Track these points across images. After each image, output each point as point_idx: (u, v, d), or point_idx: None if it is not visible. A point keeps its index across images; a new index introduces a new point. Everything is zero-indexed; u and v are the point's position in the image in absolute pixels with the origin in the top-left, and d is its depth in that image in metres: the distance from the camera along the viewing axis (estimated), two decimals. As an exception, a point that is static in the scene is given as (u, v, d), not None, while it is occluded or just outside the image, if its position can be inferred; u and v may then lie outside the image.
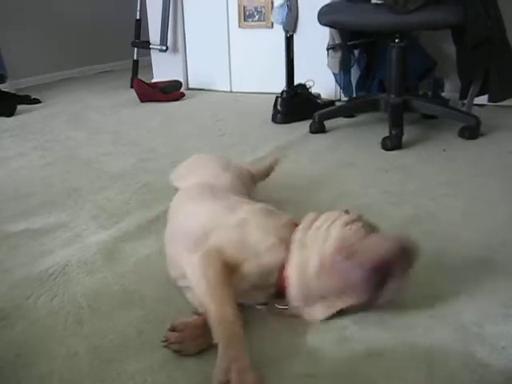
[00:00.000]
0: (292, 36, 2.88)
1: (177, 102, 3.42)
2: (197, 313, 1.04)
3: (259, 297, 1.09)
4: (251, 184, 1.56)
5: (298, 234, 1.08)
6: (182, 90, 3.57)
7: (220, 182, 1.40)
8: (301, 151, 2.25)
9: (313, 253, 1.03)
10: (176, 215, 1.31)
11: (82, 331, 1.06)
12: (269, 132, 2.59)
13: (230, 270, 1.03)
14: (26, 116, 3.14)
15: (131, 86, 3.74)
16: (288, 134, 2.51)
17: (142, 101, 3.40)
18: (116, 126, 2.84)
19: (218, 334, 0.93)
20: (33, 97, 3.55)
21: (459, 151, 2.15)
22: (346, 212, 1.11)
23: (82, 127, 2.82)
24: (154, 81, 3.76)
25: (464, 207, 1.60)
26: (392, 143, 2.19)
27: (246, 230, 1.09)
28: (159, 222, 1.56)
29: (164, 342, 0.99)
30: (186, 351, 0.98)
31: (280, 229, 1.10)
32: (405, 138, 2.23)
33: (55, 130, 2.78)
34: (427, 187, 1.76)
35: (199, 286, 1.01)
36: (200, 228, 1.14)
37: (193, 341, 0.99)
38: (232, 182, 1.42)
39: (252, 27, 3.51)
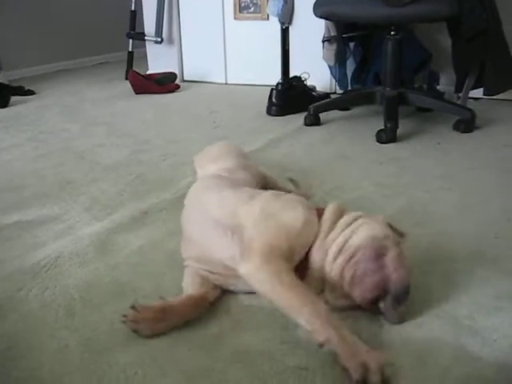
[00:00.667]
0: (287, 28, 2.87)
1: (172, 94, 3.40)
2: (162, 297, 1.05)
3: None
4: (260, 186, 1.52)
5: (324, 224, 1.08)
6: (177, 81, 3.56)
7: (236, 177, 1.40)
8: (295, 144, 2.24)
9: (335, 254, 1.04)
10: (200, 202, 1.26)
11: (74, 323, 1.06)
12: (263, 124, 2.59)
13: (290, 262, 1.02)
14: (19, 107, 3.13)
15: (126, 78, 3.72)
16: (283, 127, 2.51)
17: (137, 92, 3.38)
18: (110, 117, 2.82)
19: (325, 335, 0.88)
20: (27, 88, 3.52)
21: (454, 144, 2.15)
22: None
23: (76, 119, 2.80)
24: (149, 72, 3.75)
25: (458, 200, 1.60)
26: (387, 136, 2.19)
27: (278, 215, 1.08)
28: (152, 213, 1.56)
29: (123, 317, 1.01)
30: (141, 332, 1.00)
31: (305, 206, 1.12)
32: (400, 130, 2.23)
33: (49, 121, 2.77)
34: (421, 180, 1.76)
35: (279, 295, 0.97)
36: (230, 217, 1.13)
37: (151, 323, 1.01)
38: (246, 180, 1.40)
39: (247, 19, 3.50)
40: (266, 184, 1.51)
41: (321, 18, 2.41)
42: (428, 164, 1.93)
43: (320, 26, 2.74)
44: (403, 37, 2.28)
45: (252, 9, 3.48)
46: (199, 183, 1.41)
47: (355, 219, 1.09)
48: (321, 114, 2.54)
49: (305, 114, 2.54)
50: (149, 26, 3.79)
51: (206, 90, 3.54)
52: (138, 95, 3.36)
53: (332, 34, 2.69)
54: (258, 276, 1.00)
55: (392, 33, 2.25)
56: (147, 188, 1.77)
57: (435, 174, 1.82)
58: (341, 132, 2.41)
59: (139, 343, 0.99)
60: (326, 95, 2.97)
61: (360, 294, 1.00)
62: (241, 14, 3.51)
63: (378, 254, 1.00)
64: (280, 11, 2.95)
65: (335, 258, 1.03)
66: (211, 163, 1.53)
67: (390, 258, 1.00)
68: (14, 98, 3.23)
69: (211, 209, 1.19)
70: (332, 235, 1.06)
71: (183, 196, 1.63)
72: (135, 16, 3.85)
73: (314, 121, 2.51)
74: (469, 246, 1.30)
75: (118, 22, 4.24)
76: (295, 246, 1.04)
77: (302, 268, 1.05)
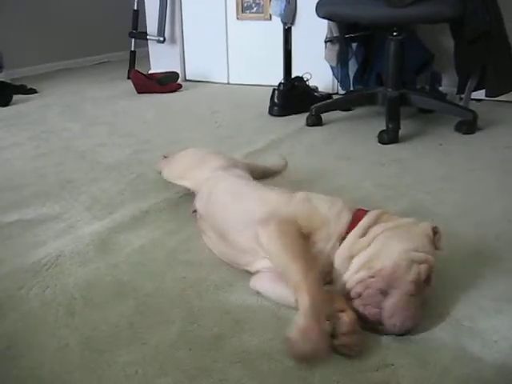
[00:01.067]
0: (290, 28, 2.87)
1: (174, 94, 3.40)
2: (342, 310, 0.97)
3: None
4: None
5: (358, 229, 1.08)
6: (179, 81, 3.56)
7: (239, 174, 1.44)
8: (297, 144, 2.24)
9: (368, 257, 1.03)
10: (240, 203, 1.26)
11: (74, 322, 1.06)
12: (265, 124, 2.59)
13: (304, 236, 1.05)
14: (21, 106, 3.13)
15: (128, 77, 3.72)
16: (284, 127, 2.51)
17: (139, 92, 3.38)
18: (112, 117, 2.82)
19: (303, 299, 0.92)
20: (29, 87, 3.52)
21: (456, 145, 2.14)
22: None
23: (77, 118, 2.80)
24: (151, 72, 3.74)
25: (460, 201, 1.59)
26: (388, 137, 2.19)
27: (313, 203, 1.13)
28: (153, 212, 1.56)
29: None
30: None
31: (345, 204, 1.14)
32: (401, 131, 2.23)
33: (50, 120, 2.77)
34: (423, 181, 1.76)
35: (280, 255, 1.02)
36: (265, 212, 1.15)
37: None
38: (245, 176, 1.45)
39: (250, 19, 3.50)
40: (252, 171, 1.54)
41: (323, 18, 2.40)
42: (430, 165, 1.93)
43: (322, 27, 2.74)
44: (405, 38, 2.28)
45: (255, 9, 3.48)
46: (224, 183, 1.38)
47: (386, 229, 1.07)
48: (323, 115, 2.53)
49: (307, 114, 2.54)
50: (151, 25, 3.79)
51: (208, 89, 3.54)
52: (140, 95, 3.36)
53: (334, 35, 2.69)
54: (270, 235, 1.05)
55: (394, 33, 2.25)
56: (148, 188, 1.77)
57: (437, 175, 1.82)
58: (342, 133, 2.41)
59: (140, 342, 0.99)
60: (328, 96, 2.97)
61: (361, 314, 0.98)
62: (243, 14, 3.51)
63: (385, 290, 0.97)
64: (283, 11, 2.95)
65: (356, 272, 1.03)
66: (197, 169, 1.51)
67: (389, 303, 0.96)
68: (15, 97, 3.24)
69: (256, 209, 1.19)
70: (358, 245, 1.06)
71: (184, 196, 1.65)
72: (137, 15, 3.85)
73: (315, 121, 2.51)
74: (469, 247, 1.30)
75: (121, 21, 4.24)
76: (318, 229, 1.07)
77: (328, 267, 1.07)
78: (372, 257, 1.03)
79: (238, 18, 3.53)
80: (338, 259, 1.06)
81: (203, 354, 0.95)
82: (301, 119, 2.57)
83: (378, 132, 2.22)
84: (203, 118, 2.77)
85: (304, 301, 0.92)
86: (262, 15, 3.45)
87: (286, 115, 2.72)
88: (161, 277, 1.21)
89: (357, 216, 1.11)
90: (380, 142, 2.20)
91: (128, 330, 1.03)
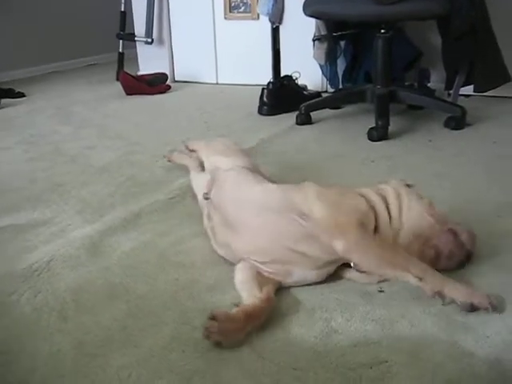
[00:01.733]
0: (278, 27, 2.87)
1: (163, 95, 3.39)
2: (237, 304, 1.04)
3: None
4: None
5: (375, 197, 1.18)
6: (168, 82, 3.55)
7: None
8: (287, 143, 2.24)
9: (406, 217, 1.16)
10: (252, 196, 1.29)
11: (66, 327, 1.05)
12: (255, 124, 2.59)
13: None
14: (9, 110, 3.11)
15: (117, 79, 3.70)
16: (274, 126, 2.51)
17: (128, 94, 3.37)
18: (101, 119, 2.81)
19: (438, 286, 1.02)
20: (17, 90, 3.50)
21: (445, 141, 2.15)
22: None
23: (67, 121, 2.79)
24: (139, 73, 3.73)
25: (449, 197, 1.60)
26: (378, 134, 2.19)
27: (337, 199, 1.17)
28: (144, 215, 1.56)
29: (205, 331, 0.96)
30: (224, 344, 0.96)
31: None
32: (391, 128, 2.24)
33: (40, 124, 2.76)
34: (413, 177, 1.74)
35: (384, 259, 1.06)
36: (290, 204, 1.17)
37: (233, 334, 0.97)
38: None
39: (238, 19, 3.50)
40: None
41: (311, 17, 2.41)
42: (419, 161, 1.94)
43: (310, 25, 2.75)
44: (393, 35, 2.28)
45: (242, 8, 3.48)
46: (237, 177, 1.39)
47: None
48: (312, 113, 2.54)
49: (296, 113, 2.54)
50: (139, 26, 3.77)
51: (198, 90, 3.54)
52: (129, 96, 3.34)
53: (322, 33, 2.69)
54: (359, 246, 1.07)
55: (382, 31, 2.26)
56: (139, 190, 1.76)
57: (426, 171, 1.83)
58: (332, 130, 2.41)
59: (133, 345, 0.98)
60: (318, 94, 2.97)
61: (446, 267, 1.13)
62: (231, 14, 3.51)
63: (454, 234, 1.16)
64: (270, 10, 2.95)
65: (411, 243, 1.13)
66: (223, 156, 1.54)
67: (465, 236, 1.17)
68: (3, 101, 3.21)
69: (269, 200, 1.22)
70: (396, 217, 1.17)
71: (175, 197, 1.65)
72: (125, 17, 3.83)
73: (305, 120, 2.51)
74: (461, 242, 1.30)
75: (108, 23, 4.22)
76: (369, 222, 1.13)
77: None
78: (415, 226, 1.15)
79: (225, 18, 3.53)
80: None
81: (197, 356, 0.95)
82: (290, 118, 2.58)
83: (367, 129, 2.23)
84: (193, 118, 2.77)
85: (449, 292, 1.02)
86: (249, 15, 3.45)
87: (275, 114, 2.72)
88: (153, 279, 1.21)
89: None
90: (370, 139, 2.20)
91: (121, 333, 1.02)
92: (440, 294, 1.02)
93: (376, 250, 1.07)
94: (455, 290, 1.01)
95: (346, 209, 1.13)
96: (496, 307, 1.00)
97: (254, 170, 1.47)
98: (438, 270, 1.07)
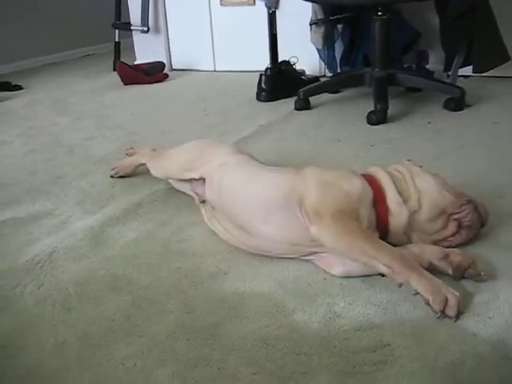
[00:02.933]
0: (274, 12, 2.85)
1: (160, 84, 3.38)
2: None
3: None
4: None
5: (383, 174, 1.21)
6: (166, 70, 3.53)
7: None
8: (286, 128, 2.24)
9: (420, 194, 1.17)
10: (256, 187, 1.28)
11: (70, 318, 1.06)
12: (253, 110, 2.58)
13: (357, 221, 1.12)
14: (7, 103, 3.10)
15: (114, 69, 3.69)
16: (273, 112, 2.50)
17: (126, 83, 3.35)
18: (100, 110, 2.80)
19: (404, 275, 1.00)
20: (14, 83, 3.49)
21: (445, 123, 2.14)
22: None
23: (65, 113, 2.78)
24: (136, 63, 3.71)
25: (450, 179, 1.58)
26: (377, 117, 2.19)
27: (338, 184, 1.17)
28: (145, 205, 1.56)
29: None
30: None
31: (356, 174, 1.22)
32: (390, 111, 2.23)
33: (38, 116, 2.75)
34: (413, 160, 1.75)
35: (352, 245, 1.06)
36: (292, 191, 1.19)
37: None
38: None
39: (234, 4, 3.47)
40: None
41: (307, 0, 2.39)
42: (419, 144, 1.93)
43: (307, 10, 2.73)
44: (390, 17, 2.26)
45: (238, -6, 3.45)
46: (236, 170, 1.36)
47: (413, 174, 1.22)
48: (311, 98, 2.53)
49: (295, 98, 2.53)
50: (134, 15, 3.75)
51: (195, 78, 3.52)
52: (127, 86, 3.33)
53: (319, 17, 2.67)
54: (330, 231, 1.09)
55: (379, 13, 2.24)
56: (139, 180, 1.76)
57: (426, 153, 1.82)
58: (331, 115, 2.40)
59: (137, 335, 0.99)
60: (316, 79, 2.96)
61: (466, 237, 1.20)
62: (227, 0, 3.48)
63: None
64: (266, -5, 2.92)
65: (433, 220, 1.16)
66: (203, 158, 1.46)
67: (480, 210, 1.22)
68: (1, 94, 3.21)
69: (273, 195, 1.21)
70: (405, 192, 1.18)
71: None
72: (120, 6, 3.80)
73: (304, 105, 2.50)
74: (462, 224, 1.30)
75: (104, 12, 4.19)
76: (358, 209, 1.13)
77: (381, 226, 1.16)
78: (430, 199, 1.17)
79: (221, 4, 3.50)
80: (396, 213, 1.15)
81: (201, 344, 0.95)
82: (289, 103, 2.57)
83: (366, 113, 2.22)
84: (191, 106, 2.76)
85: (416, 282, 0.99)
86: (245, 0, 3.42)
87: (274, 100, 2.71)
88: (155, 268, 1.21)
89: (368, 180, 1.20)
90: (369, 122, 2.19)
91: (125, 323, 1.03)
92: (407, 283, 1.00)
93: (347, 238, 1.07)
94: (419, 283, 0.98)
95: (333, 195, 1.14)
96: (453, 315, 0.96)
97: (240, 153, 1.46)
98: (458, 245, 1.17)
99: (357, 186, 1.16)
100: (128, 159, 1.84)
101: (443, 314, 0.96)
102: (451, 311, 0.96)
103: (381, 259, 1.02)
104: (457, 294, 0.97)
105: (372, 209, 1.15)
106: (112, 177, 1.77)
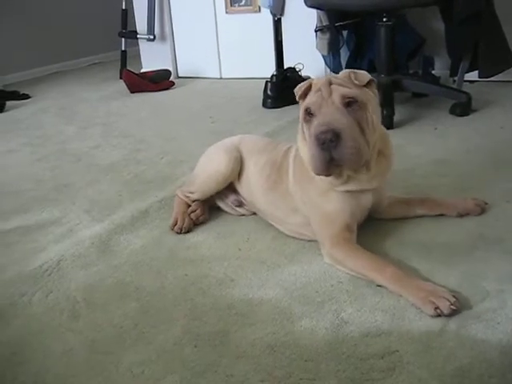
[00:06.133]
0: (280, 19, 2.86)
1: (167, 91, 3.39)
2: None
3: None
4: None
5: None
6: (172, 78, 3.55)
7: None
8: (292, 136, 2.22)
9: None
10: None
11: (78, 326, 1.06)
12: (259, 117, 2.58)
13: (352, 233, 1.22)
14: (15, 112, 3.12)
15: (120, 77, 3.71)
16: (279, 119, 2.50)
17: (132, 91, 3.37)
18: (106, 118, 2.82)
19: (400, 288, 1.06)
20: (22, 92, 3.52)
21: (451, 128, 2.14)
22: None
23: (72, 121, 2.80)
24: (143, 71, 3.73)
25: (457, 184, 1.59)
26: (383, 123, 2.16)
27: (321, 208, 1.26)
28: (152, 212, 1.56)
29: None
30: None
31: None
32: (396, 117, 2.23)
33: (45, 125, 2.77)
34: (419, 166, 1.76)
35: (357, 268, 1.14)
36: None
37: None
38: None
39: (239, 12, 3.49)
40: None
41: (311, 7, 2.40)
42: (425, 149, 1.93)
43: (312, 16, 2.73)
44: (395, 23, 2.26)
45: (243, 1, 3.46)
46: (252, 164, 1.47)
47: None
48: (316, 105, 2.52)
49: (300, 105, 2.52)
50: (140, 24, 3.77)
51: (201, 85, 3.53)
52: (133, 94, 3.35)
53: (324, 24, 2.68)
54: (334, 259, 1.18)
55: (384, 19, 2.24)
56: (146, 187, 1.77)
57: (433, 158, 1.82)
58: (337, 121, 2.40)
59: (145, 342, 0.99)
60: (321, 85, 2.95)
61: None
62: (232, 8, 3.50)
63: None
64: (271, 3, 2.94)
65: None
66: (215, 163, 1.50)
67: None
68: (9, 103, 3.23)
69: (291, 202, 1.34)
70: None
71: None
72: (126, 15, 3.84)
73: (309, 111, 2.50)
74: (469, 229, 1.30)
75: (110, 21, 4.23)
76: (353, 221, 1.23)
77: None
78: None
79: (227, 12, 3.52)
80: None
81: (208, 351, 0.95)
82: (295, 110, 2.55)
83: (372, 119, 2.21)
84: (197, 114, 2.77)
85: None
86: (250, 8, 3.44)
87: (279, 107, 2.71)
88: (163, 275, 1.22)
89: None
90: (375, 128, 2.19)
91: (132, 330, 1.03)
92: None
93: (348, 261, 1.17)
94: (409, 297, 1.03)
95: (326, 224, 1.26)
96: (450, 312, 0.98)
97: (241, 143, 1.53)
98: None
99: (332, 204, 1.24)
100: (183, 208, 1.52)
101: (437, 315, 0.99)
102: (444, 310, 0.98)
103: (376, 281, 1.09)
104: (450, 297, 0.99)
105: None
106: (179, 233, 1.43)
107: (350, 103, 1.13)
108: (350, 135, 1.10)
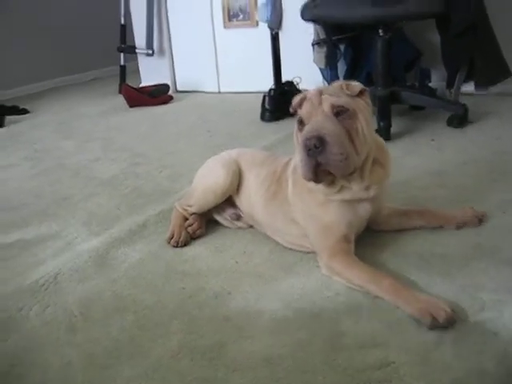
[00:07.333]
0: (277, 33, 2.88)
1: (165, 106, 3.41)
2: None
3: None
4: None
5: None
6: (170, 92, 3.57)
7: None
8: (290, 149, 2.23)
9: None
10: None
11: (76, 339, 1.06)
12: (257, 131, 2.59)
13: (349, 243, 1.22)
14: (14, 127, 3.14)
15: (119, 92, 3.73)
16: (277, 132, 2.51)
17: (131, 106, 3.39)
18: (105, 132, 2.83)
19: (397, 299, 1.06)
20: (21, 107, 3.53)
21: (448, 140, 2.15)
22: None
23: (71, 136, 2.81)
24: (142, 85, 3.76)
25: (453, 196, 1.60)
26: (380, 135, 2.17)
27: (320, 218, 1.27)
28: (150, 225, 1.56)
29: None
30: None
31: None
32: (393, 129, 2.23)
33: (44, 139, 2.78)
34: (416, 177, 1.76)
35: (354, 280, 1.14)
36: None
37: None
38: None
39: (237, 27, 3.51)
40: None
41: (308, 21, 2.42)
42: (422, 161, 1.93)
43: (309, 30, 2.75)
44: (392, 36, 2.28)
45: (241, 16, 3.49)
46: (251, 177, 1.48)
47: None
48: (314, 118, 2.53)
49: (298, 118, 2.53)
50: (139, 38, 3.80)
51: (200, 99, 3.55)
52: (132, 108, 3.37)
53: (321, 37, 2.69)
54: (331, 270, 1.19)
55: (381, 32, 2.26)
56: (144, 201, 1.77)
57: (430, 170, 1.82)
58: (335, 134, 2.41)
59: (142, 356, 0.99)
60: (319, 98, 2.96)
61: None
62: (230, 23, 3.52)
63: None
64: (269, 17, 2.96)
65: None
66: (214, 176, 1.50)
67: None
68: (8, 118, 3.25)
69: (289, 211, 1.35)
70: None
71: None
72: (125, 30, 3.87)
73: (307, 124, 2.51)
74: (466, 240, 1.30)
75: (109, 36, 4.25)
76: (351, 232, 1.24)
77: None
78: None
79: (225, 27, 3.55)
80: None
81: (204, 364, 0.95)
82: (292, 124, 2.56)
83: (370, 131, 2.22)
84: (196, 127, 2.78)
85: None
86: (248, 22, 3.46)
87: (277, 120, 2.73)
88: (160, 289, 1.22)
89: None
90: (372, 140, 2.19)
91: (129, 344, 1.03)
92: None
93: (346, 273, 1.18)
94: (406, 307, 1.04)
95: (324, 236, 1.28)
96: (444, 324, 0.98)
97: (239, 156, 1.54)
98: None
99: (331, 216, 1.25)
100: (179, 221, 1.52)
101: (435, 325, 0.99)
102: (441, 320, 0.98)
103: (374, 292, 1.10)
104: (447, 308, 0.99)
105: None
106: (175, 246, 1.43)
107: (339, 112, 1.15)
108: (336, 141, 1.11)
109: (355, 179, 1.20)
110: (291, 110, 1.25)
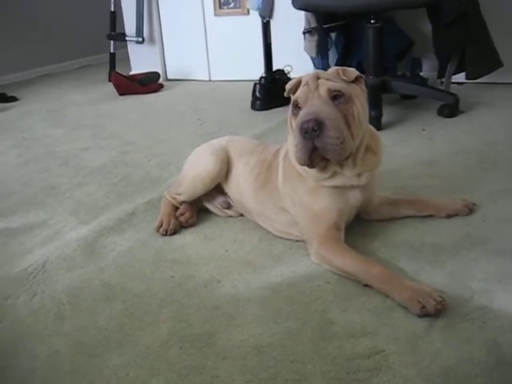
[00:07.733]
0: (268, 22, 2.86)
1: (156, 94, 3.39)
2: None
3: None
4: None
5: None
6: (161, 81, 3.55)
7: None
8: (281, 137, 2.23)
9: None
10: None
11: (63, 328, 1.05)
12: (248, 119, 2.58)
13: (339, 231, 1.22)
14: (2, 114, 3.10)
15: (109, 80, 3.70)
16: (267, 121, 2.50)
17: (121, 94, 3.36)
18: (95, 120, 2.81)
19: (386, 288, 1.06)
20: (10, 95, 3.50)
21: (438, 130, 2.15)
22: None
23: (60, 123, 2.79)
24: (132, 73, 3.73)
25: (444, 185, 1.60)
26: (372, 124, 2.17)
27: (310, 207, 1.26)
28: (139, 214, 1.55)
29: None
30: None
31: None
32: (384, 118, 2.23)
33: (33, 127, 2.75)
34: (407, 167, 1.76)
35: (344, 268, 1.14)
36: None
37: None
38: None
39: (228, 14, 3.49)
40: None
41: (300, 9, 2.40)
42: (413, 150, 1.93)
43: (301, 18, 2.73)
44: (383, 25, 2.27)
45: (232, 4, 3.47)
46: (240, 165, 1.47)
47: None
48: (305, 106, 2.52)
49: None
50: (129, 26, 3.76)
51: (190, 87, 3.53)
52: (122, 96, 3.34)
53: (312, 26, 2.68)
54: (321, 258, 1.19)
55: (372, 21, 2.25)
56: (133, 189, 1.76)
57: (420, 160, 1.82)
58: (326, 123, 2.40)
59: (130, 344, 0.98)
60: (310, 87, 2.95)
61: None
62: (221, 10, 3.50)
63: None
64: (260, 5, 2.94)
65: None
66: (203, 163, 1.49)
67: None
68: (-4, 106, 3.21)
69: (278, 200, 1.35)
70: None
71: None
72: (115, 17, 3.83)
73: (298, 113, 2.50)
74: (456, 229, 1.30)
75: (99, 24, 4.21)
76: (341, 220, 1.24)
77: None
78: None
79: (215, 15, 3.52)
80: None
81: (194, 352, 0.95)
82: (283, 112, 2.55)
83: (361, 120, 2.21)
84: (186, 116, 2.76)
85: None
86: (239, 10, 3.44)
87: (268, 109, 2.71)
88: (149, 277, 1.21)
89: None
90: (363, 130, 2.19)
91: (118, 332, 1.02)
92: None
93: (335, 260, 1.18)
94: (395, 296, 1.04)
95: (313, 224, 1.27)
96: (436, 311, 0.98)
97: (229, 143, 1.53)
98: None
99: (321, 205, 1.24)
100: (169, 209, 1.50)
101: (424, 314, 0.99)
102: (431, 309, 0.98)
103: (363, 281, 1.10)
104: (437, 297, 0.99)
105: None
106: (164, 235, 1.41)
107: (336, 96, 1.14)
108: (333, 125, 1.10)
109: (348, 165, 1.20)
110: (286, 94, 1.24)
